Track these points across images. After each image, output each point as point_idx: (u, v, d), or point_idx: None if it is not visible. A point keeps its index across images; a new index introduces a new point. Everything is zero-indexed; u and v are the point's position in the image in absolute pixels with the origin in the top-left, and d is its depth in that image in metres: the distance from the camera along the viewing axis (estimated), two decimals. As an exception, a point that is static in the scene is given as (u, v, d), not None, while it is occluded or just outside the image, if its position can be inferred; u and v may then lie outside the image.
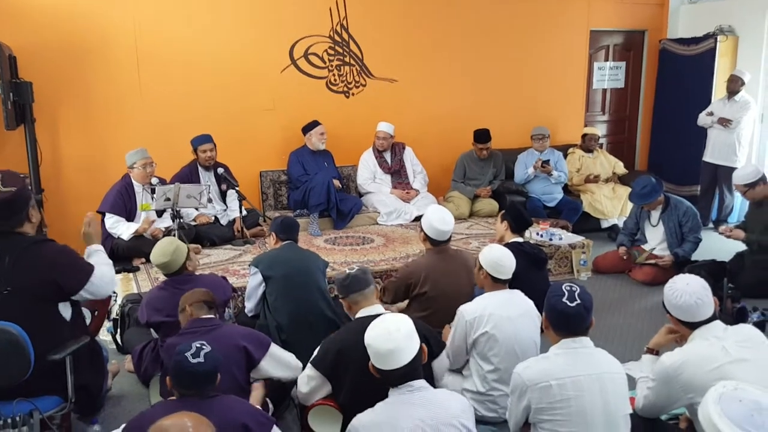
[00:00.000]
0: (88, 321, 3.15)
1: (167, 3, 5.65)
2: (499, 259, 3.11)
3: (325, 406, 2.70)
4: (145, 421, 2.00)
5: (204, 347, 2.26)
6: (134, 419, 2.24)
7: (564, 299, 2.33)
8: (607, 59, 7.78)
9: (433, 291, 3.60)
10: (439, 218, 3.66)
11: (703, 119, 6.71)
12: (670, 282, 2.62)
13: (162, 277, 4.42)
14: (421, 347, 2.24)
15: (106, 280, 2.93)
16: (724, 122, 6.47)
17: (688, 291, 2.51)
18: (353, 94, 6.52)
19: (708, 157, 6.75)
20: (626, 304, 4.82)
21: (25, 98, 4.92)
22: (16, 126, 4.87)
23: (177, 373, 2.22)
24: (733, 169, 6.43)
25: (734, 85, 6.49)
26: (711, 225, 6.72)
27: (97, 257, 3.02)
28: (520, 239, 3.93)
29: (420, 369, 2.25)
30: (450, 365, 3.14)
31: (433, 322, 3.50)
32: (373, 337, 2.22)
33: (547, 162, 6.37)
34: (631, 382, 2.94)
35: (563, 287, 2.38)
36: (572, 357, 2.33)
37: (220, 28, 5.85)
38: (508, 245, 3.83)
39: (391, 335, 2.18)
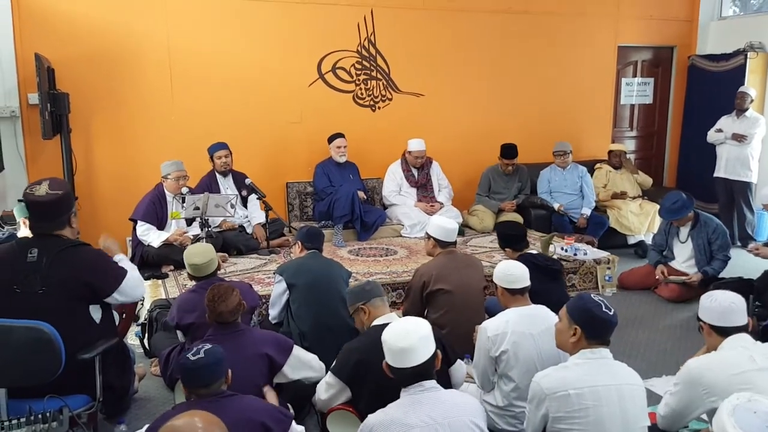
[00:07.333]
0: (116, 323, 3.23)
1: (199, 19, 5.81)
2: (506, 269, 3.12)
3: (344, 411, 2.74)
4: (166, 421, 2.05)
5: (204, 345, 2.32)
6: (157, 420, 2.29)
7: (603, 309, 2.37)
8: (635, 75, 7.76)
9: (447, 286, 3.67)
10: (443, 219, 4.04)
11: (713, 136, 6.79)
12: (706, 293, 2.73)
13: (189, 284, 4.48)
14: (435, 353, 2.27)
15: (137, 283, 3.07)
16: (739, 137, 6.50)
17: (725, 296, 2.62)
18: (379, 108, 6.59)
19: (721, 172, 6.79)
20: (651, 320, 4.77)
21: (61, 109, 5.06)
22: (53, 135, 5.01)
23: (182, 375, 2.29)
24: (746, 183, 6.53)
25: (743, 102, 6.57)
26: (738, 243, 6.62)
27: (125, 263, 3.12)
28: (533, 251, 3.97)
29: (432, 371, 2.27)
30: (478, 387, 3.14)
31: (450, 320, 3.56)
32: (390, 333, 2.27)
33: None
34: (653, 399, 2.92)
35: (594, 297, 2.42)
36: (591, 367, 2.33)
37: (250, 42, 5.99)
38: (521, 257, 3.86)
39: (408, 334, 2.23)
